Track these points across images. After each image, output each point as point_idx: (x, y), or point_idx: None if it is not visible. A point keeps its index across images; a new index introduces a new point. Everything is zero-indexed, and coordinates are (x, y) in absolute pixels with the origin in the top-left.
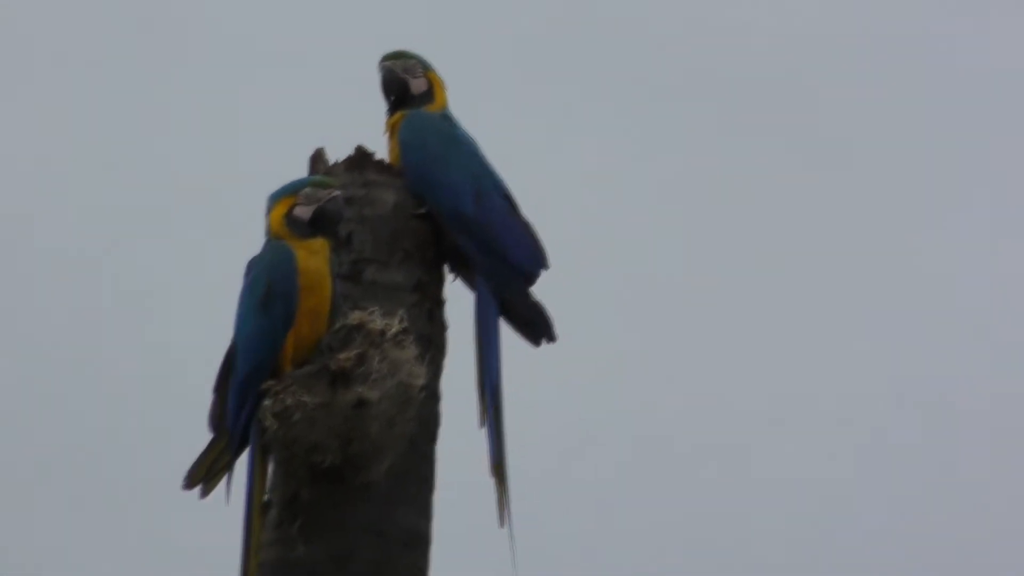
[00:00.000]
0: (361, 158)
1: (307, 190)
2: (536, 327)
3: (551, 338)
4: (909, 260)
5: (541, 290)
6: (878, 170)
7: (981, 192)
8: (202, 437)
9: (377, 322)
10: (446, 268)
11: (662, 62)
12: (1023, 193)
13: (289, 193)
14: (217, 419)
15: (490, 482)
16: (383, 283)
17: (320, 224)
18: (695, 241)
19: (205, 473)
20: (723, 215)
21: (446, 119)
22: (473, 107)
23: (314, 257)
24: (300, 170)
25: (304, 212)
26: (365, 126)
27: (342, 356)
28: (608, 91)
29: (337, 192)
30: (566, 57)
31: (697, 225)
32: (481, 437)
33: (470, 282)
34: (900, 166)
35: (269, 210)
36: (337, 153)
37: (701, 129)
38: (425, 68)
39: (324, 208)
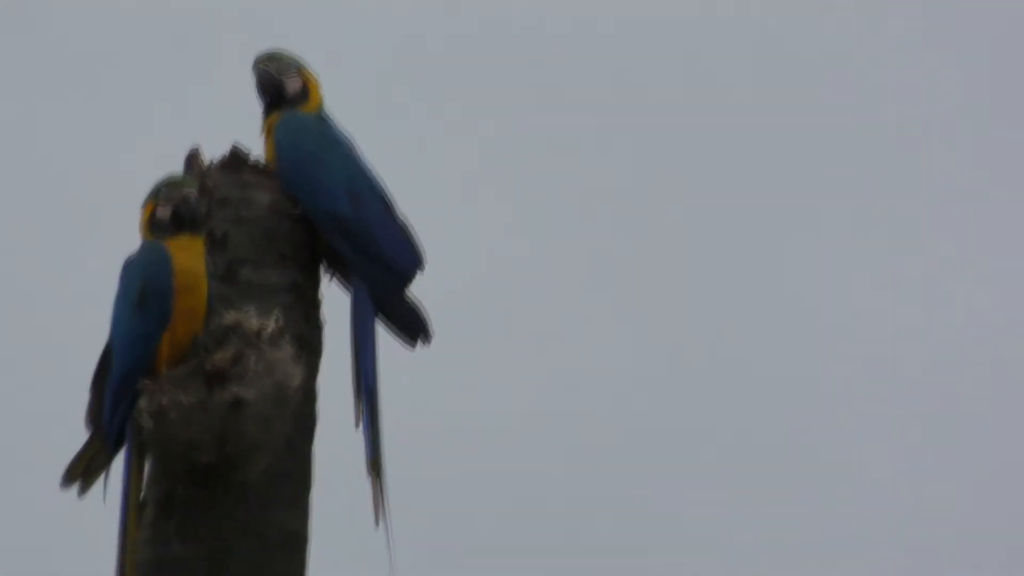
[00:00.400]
0: (236, 159)
1: (164, 190)
2: (412, 328)
3: (427, 339)
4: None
5: (418, 291)
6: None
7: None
8: (80, 435)
9: (253, 322)
10: (323, 268)
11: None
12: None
13: (152, 196)
14: (94, 416)
15: (367, 481)
16: (258, 283)
17: (179, 224)
18: (576, 243)
19: (82, 471)
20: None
21: (321, 120)
22: (357, 104)
23: (190, 257)
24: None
25: (164, 212)
26: (243, 127)
27: (218, 356)
28: (499, 92)
29: (190, 190)
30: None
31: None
32: (358, 437)
33: (347, 282)
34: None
35: (140, 214)
36: (213, 154)
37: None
38: (299, 68)
39: (178, 208)
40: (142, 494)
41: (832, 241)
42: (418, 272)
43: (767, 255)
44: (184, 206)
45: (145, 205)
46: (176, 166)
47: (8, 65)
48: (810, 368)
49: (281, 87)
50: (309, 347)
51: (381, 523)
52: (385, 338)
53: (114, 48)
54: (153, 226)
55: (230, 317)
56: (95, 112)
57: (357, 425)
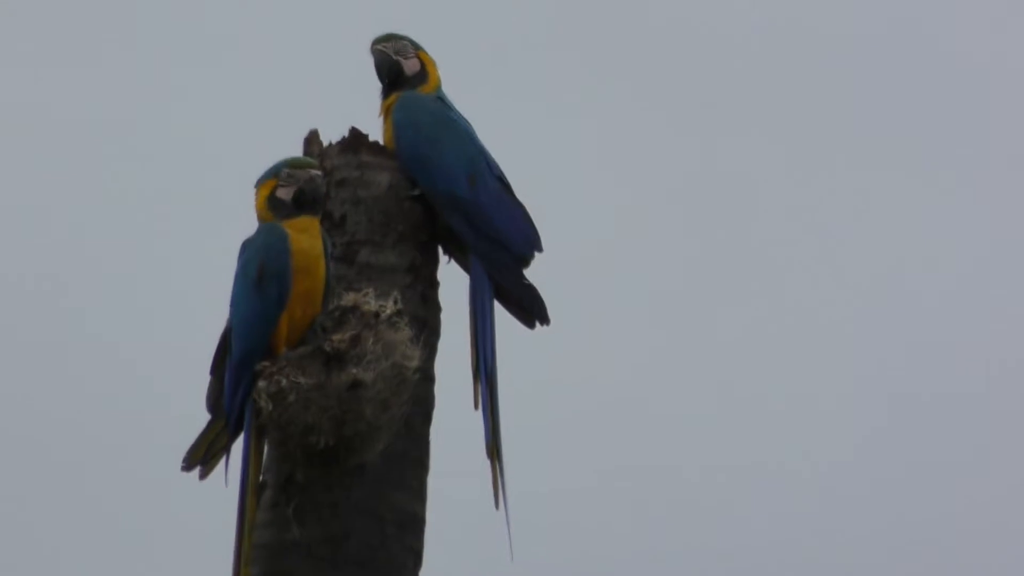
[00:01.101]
0: (355, 140)
1: (286, 171)
2: (530, 309)
3: (544, 320)
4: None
5: (534, 273)
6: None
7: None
8: (200, 419)
9: (371, 303)
10: (440, 250)
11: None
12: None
13: (270, 176)
14: (214, 400)
15: (486, 464)
16: (377, 265)
17: (301, 205)
18: (692, 228)
19: (203, 454)
20: (716, 200)
21: (440, 100)
22: (467, 85)
23: (307, 238)
24: (295, 153)
25: (285, 193)
26: (360, 109)
27: (336, 337)
28: (605, 72)
29: (316, 172)
30: (566, 38)
31: (693, 211)
32: (476, 419)
33: (464, 264)
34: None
35: (256, 195)
36: (331, 135)
37: (695, 116)
38: (416, 49)
39: (303, 189)
40: (261, 477)
41: None
42: (535, 254)
43: None
44: (310, 187)
45: (261, 184)
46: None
47: None
48: None
49: (399, 68)
50: (427, 328)
51: (500, 505)
52: (503, 319)
53: None
54: (272, 205)
55: (349, 298)
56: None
57: (476, 407)
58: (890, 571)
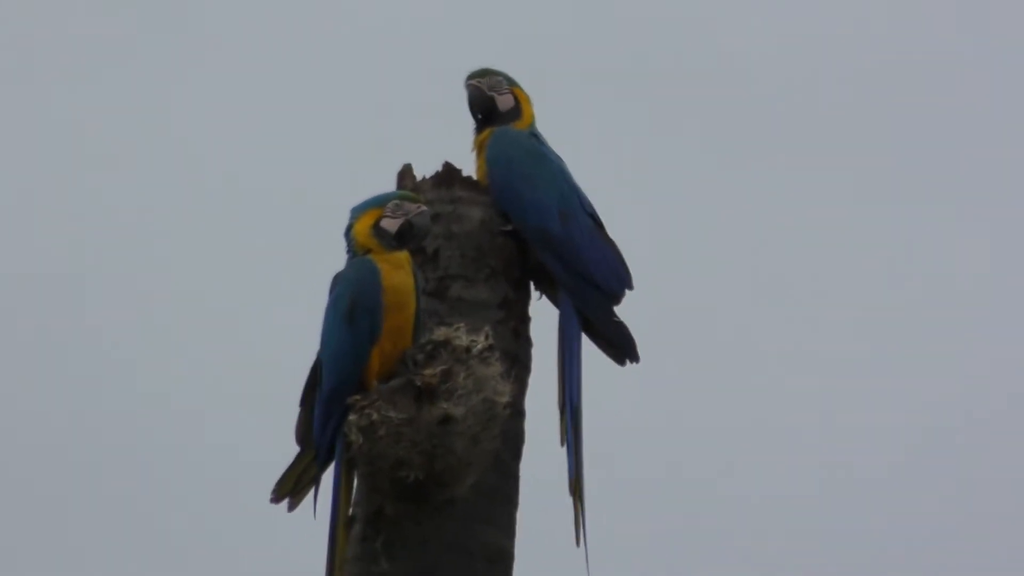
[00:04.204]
0: (449, 174)
1: (395, 202)
2: (620, 347)
3: (635, 358)
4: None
5: (625, 310)
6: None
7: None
8: (290, 450)
9: (463, 338)
10: (532, 285)
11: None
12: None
13: (375, 205)
14: (304, 433)
15: (569, 500)
16: (469, 299)
17: (407, 237)
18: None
19: (292, 486)
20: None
21: (533, 136)
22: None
23: (399, 272)
24: (384, 188)
25: (391, 224)
26: (454, 144)
27: (428, 372)
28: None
29: (425, 207)
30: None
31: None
32: (563, 455)
33: (555, 300)
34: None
35: (352, 223)
36: (425, 170)
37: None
38: (511, 84)
39: (413, 221)
40: (351, 510)
41: None
42: (626, 292)
43: None
44: (419, 220)
45: (363, 212)
46: None
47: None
48: None
49: (492, 104)
50: (518, 364)
51: (580, 543)
52: (594, 356)
53: None
54: (375, 235)
55: (440, 333)
56: None
57: (562, 443)
58: None
